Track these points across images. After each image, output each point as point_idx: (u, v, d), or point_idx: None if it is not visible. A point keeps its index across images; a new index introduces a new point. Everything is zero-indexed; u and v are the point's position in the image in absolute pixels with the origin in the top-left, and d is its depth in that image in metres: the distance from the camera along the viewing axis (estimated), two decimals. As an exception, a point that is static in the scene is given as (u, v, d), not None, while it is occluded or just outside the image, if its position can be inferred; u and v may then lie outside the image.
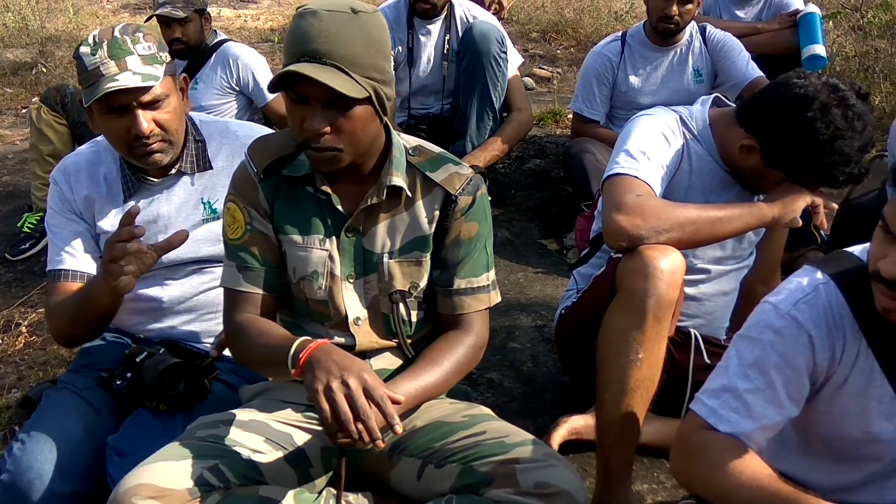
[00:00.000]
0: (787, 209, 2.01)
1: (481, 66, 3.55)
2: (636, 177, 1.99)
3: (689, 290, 2.15)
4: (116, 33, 1.92)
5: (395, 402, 1.52)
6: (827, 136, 1.90)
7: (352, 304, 1.76)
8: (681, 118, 2.14)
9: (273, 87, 1.57)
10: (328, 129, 1.56)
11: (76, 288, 2.02)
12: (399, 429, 1.47)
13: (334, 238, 1.73)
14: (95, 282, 1.94)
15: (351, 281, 1.76)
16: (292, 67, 1.51)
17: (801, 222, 2.02)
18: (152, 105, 1.93)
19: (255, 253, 1.74)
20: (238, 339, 1.73)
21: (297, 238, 1.74)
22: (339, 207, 1.72)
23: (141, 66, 1.90)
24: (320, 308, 1.77)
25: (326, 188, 1.71)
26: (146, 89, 1.90)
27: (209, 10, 3.97)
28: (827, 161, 1.93)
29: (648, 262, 1.83)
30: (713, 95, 2.23)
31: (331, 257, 1.73)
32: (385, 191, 1.70)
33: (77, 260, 2.05)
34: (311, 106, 1.56)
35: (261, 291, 1.74)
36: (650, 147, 2.05)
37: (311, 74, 1.49)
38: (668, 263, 1.83)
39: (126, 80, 1.87)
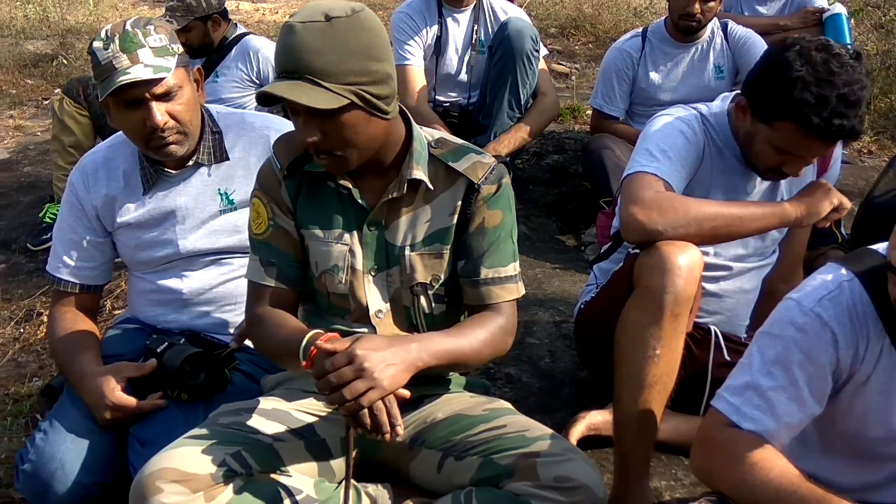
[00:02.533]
0: (811, 210, 2.01)
1: (513, 63, 3.51)
2: (655, 174, 1.98)
3: (709, 287, 2.15)
4: (128, 27, 1.93)
5: (401, 397, 1.53)
6: (802, 73, 1.86)
7: (374, 297, 1.77)
8: (701, 116, 2.14)
9: (260, 102, 1.60)
10: (317, 138, 1.58)
11: (70, 301, 2.09)
12: (401, 430, 1.49)
13: (356, 232, 1.75)
14: (81, 383, 1.93)
15: (373, 274, 1.77)
16: (266, 88, 1.55)
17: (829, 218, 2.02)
18: (166, 97, 1.94)
19: (278, 248, 1.76)
20: (258, 330, 1.76)
21: (319, 233, 1.75)
22: (361, 201, 1.73)
23: (153, 59, 1.91)
24: (341, 302, 1.78)
25: (347, 183, 1.72)
26: (158, 81, 1.91)
27: (226, 6, 3.95)
28: (800, 98, 1.86)
29: (666, 257, 1.82)
30: (734, 92, 2.21)
31: (351, 252, 1.75)
32: (406, 184, 1.70)
33: (70, 270, 2.09)
34: (299, 117, 1.59)
35: (282, 286, 1.77)
36: (670, 146, 2.05)
37: (281, 93, 1.52)
38: (685, 259, 1.82)
39: (138, 73, 1.88)
